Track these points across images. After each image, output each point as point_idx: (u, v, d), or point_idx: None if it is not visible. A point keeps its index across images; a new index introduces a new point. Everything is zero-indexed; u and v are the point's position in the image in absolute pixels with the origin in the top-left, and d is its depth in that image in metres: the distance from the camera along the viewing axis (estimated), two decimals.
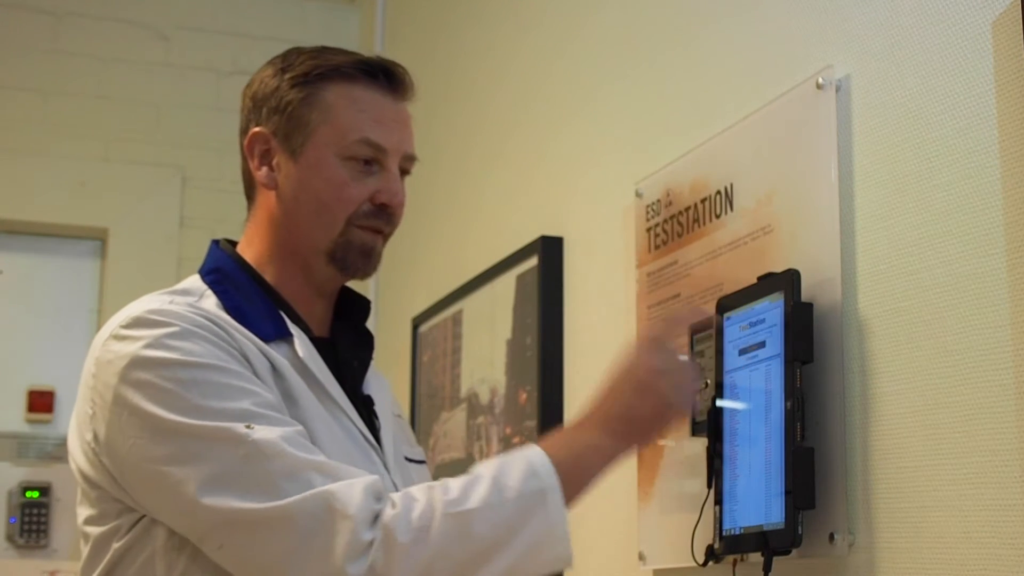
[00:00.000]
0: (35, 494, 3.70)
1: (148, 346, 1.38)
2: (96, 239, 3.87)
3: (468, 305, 2.79)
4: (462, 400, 2.75)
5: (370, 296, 3.71)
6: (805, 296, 1.52)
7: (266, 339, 1.47)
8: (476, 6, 3.04)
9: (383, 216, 1.55)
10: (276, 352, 1.46)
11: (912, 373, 1.39)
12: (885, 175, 1.46)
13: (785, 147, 1.64)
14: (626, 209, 2.08)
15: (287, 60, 1.58)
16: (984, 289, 1.30)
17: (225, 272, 1.55)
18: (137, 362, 1.37)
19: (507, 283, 2.55)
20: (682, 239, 1.87)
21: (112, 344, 1.41)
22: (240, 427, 1.34)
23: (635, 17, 2.15)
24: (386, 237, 1.58)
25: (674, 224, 1.90)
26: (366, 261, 1.56)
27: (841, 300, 1.50)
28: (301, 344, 1.49)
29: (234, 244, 1.60)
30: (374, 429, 1.55)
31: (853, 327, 1.49)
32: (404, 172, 1.61)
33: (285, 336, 1.49)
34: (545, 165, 2.50)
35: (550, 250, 2.37)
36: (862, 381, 1.47)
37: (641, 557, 1.91)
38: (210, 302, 1.49)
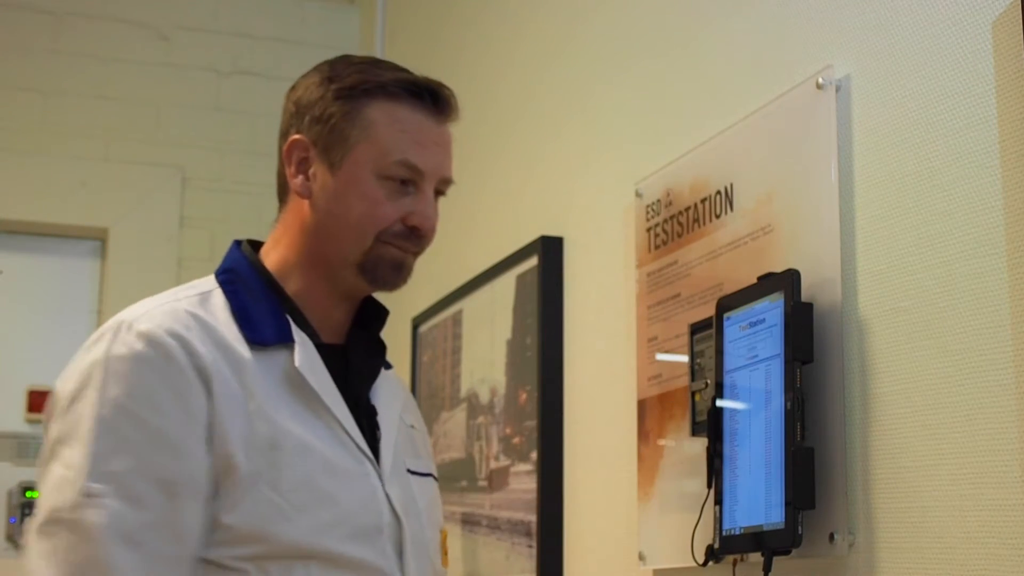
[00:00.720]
0: (35, 494, 3.68)
1: (96, 363, 1.41)
2: (96, 239, 3.87)
3: (468, 305, 2.79)
4: (462, 400, 2.75)
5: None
6: (805, 296, 1.52)
7: (263, 343, 1.47)
8: (476, 6, 3.04)
9: (412, 238, 1.56)
10: (268, 358, 1.46)
11: (912, 373, 1.39)
12: (885, 175, 1.46)
13: (785, 147, 1.64)
14: (626, 209, 2.08)
15: (334, 70, 1.57)
16: (984, 289, 1.30)
17: (238, 273, 1.55)
18: (85, 374, 1.41)
19: (507, 283, 2.55)
20: (682, 239, 1.87)
21: (91, 345, 1.45)
22: (95, 486, 1.35)
23: (635, 17, 2.15)
24: (418, 255, 1.59)
25: (674, 224, 1.90)
26: (396, 274, 1.57)
27: (841, 300, 1.50)
28: (301, 351, 1.48)
29: (259, 244, 1.60)
30: (374, 439, 1.54)
31: (853, 327, 1.49)
32: (439, 194, 1.61)
33: (286, 342, 1.49)
34: (545, 165, 2.50)
35: (550, 250, 2.37)
36: (862, 381, 1.47)
37: (641, 557, 1.91)
38: (218, 300, 1.50)
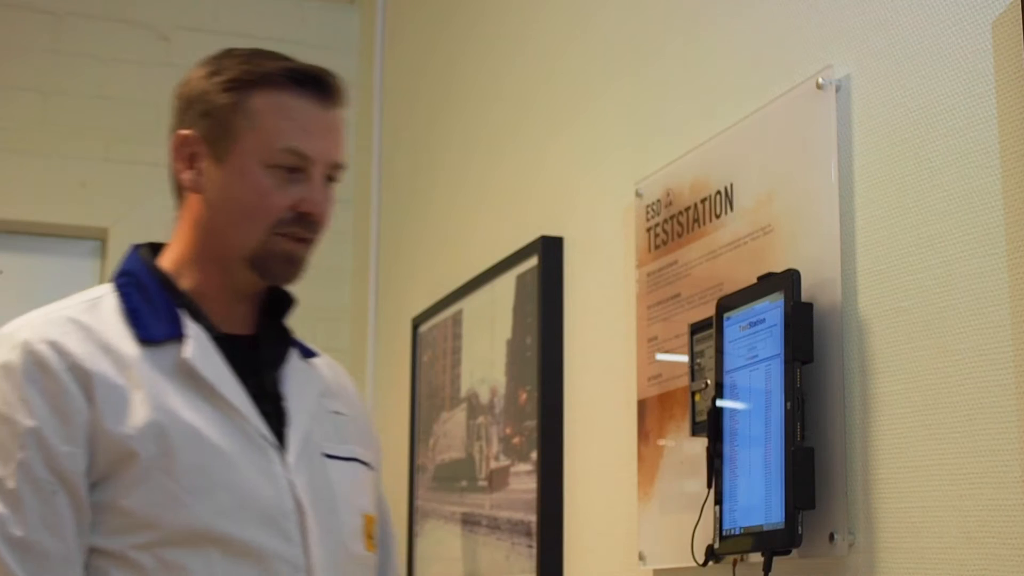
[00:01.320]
0: None
1: None
2: (96, 239, 3.86)
3: (468, 305, 2.79)
4: (462, 400, 2.75)
5: (370, 296, 3.72)
6: (805, 296, 1.52)
7: (152, 340, 1.51)
8: (476, 7, 3.04)
9: (305, 224, 1.57)
10: (159, 354, 1.50)
11: (912, 373, 1.39)
12: (885, 175, 1.46)
13: (785, 147, 1.64)
14: (626, 209, 2.08)
15: (219, 63, 1.59)
16: (984, 289, 1.30)
17: (134, 275, 1.59)
18: None
19: (507, 283, 2.55)
20: (682, 239, 1.87)
21: None
22: None
23: (635, 17, 2.15)
24: (311, 244, 1.60)
25: (674, 224, 1.90)
26: (288, 268, 1.59)
27: (841, 300, 1.50)
28: (195, 345, 1.52)
29: (162, 246, 1.64)
30: (282, 426, 1.55)
31: (853, 327, 1.49)
32: (331, 180, 1.61)
33: (177, 336, 1.52)
34: (545, 165, 2.50)
35: (550, 250, 2.37)
36: (862, 381, 1.47)
37: (641, 557, 1.91)
38: (109, 303, 1.55)
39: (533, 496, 2.31)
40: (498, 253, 2.61)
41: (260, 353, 1.61)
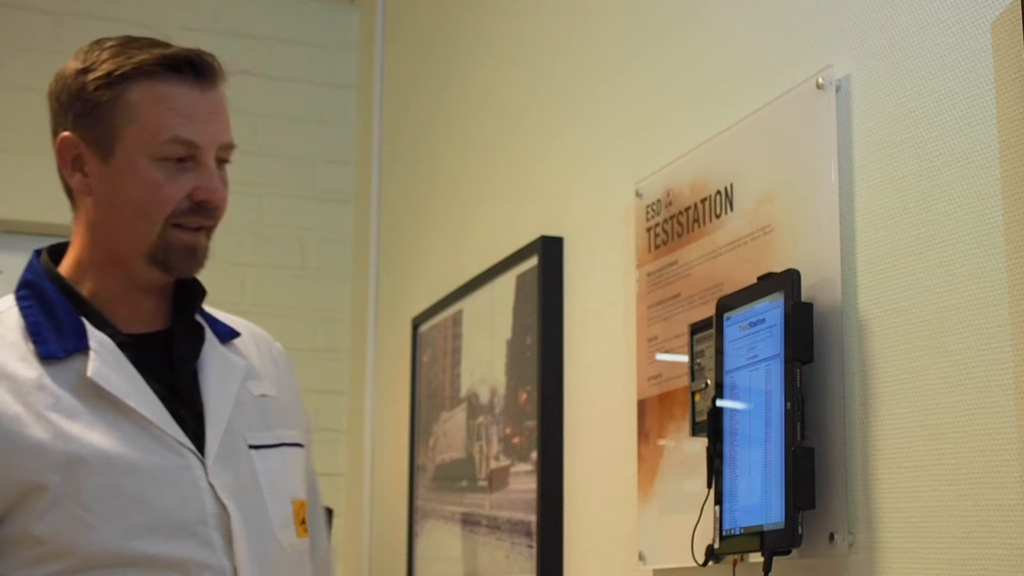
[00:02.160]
0: None
1: None
2: None
3: (468, 305, 2.79)
4: (462, 400, 2.75)
5: (370, 296, 3.72)
6: (805, 296, 1.52)
7: (55, 357, 1.47)
8: (476, 6, 3.03)
9: (203, 212, 1.54)
10: (64, 370, 1.47)
11: (912, 373, 1.39)
12: (885, 175, 1.46)
13: (785, 147, 1.64)
14: (626, 209, 2.08)
15: (89, 58, 1.54)
16: (984, 289, 1.30)
17: (35, 285, 1.57)
18: None
19: (507, 283, 2.55)
20: (682, 239, 1.87)
21: None
22: None
23: (635, 17, 2.15)
24: (209, 231, 1.57)
25: (674, 224, 1.90)
26: (190, 260, 1.56)
27: (841, 300, 1.50)
28: (99, 359, 1.48)
29: (66, 246, 1.60)
30: (195, 425, 1.53)
31: (853, 327, 1.49)
32: (223, 161, 1.58)
33: (82, 350, 1.49)
34: (545, 165, 2.50)
35: (550, 250, 2.37)
36: (862, 381, 1.47)
37: (641, 557, 1.91)
38: (11, 319, 1.52)
39: (533, 496, 2.31)
40: (498, 253, 2.61)
41: (174, 349, 1.57)
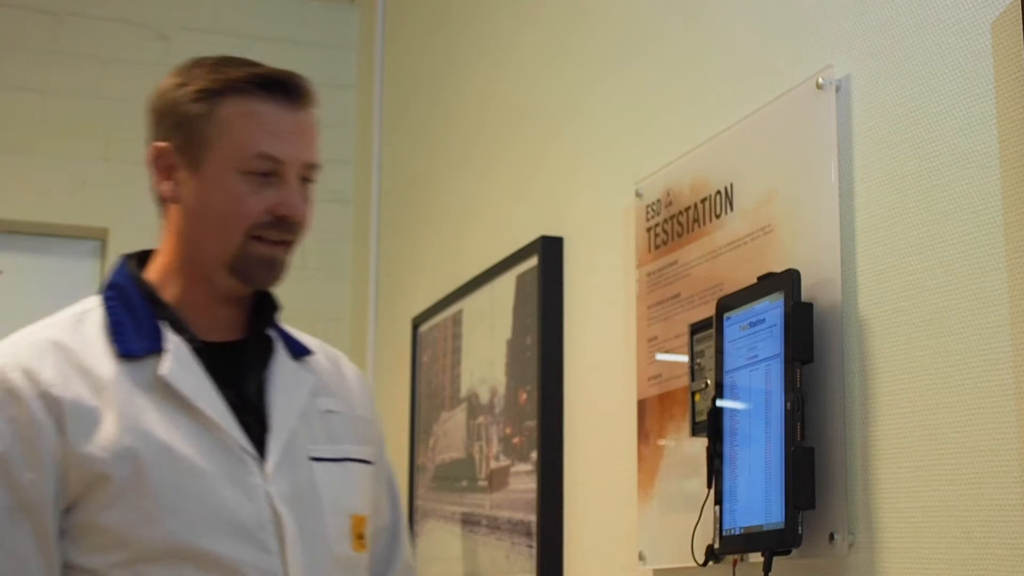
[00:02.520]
0: None
1: None
2: (96, 239, 3.86)
3: (468, 305, 2.79)
4: (462, 400, 2.75)
5: (370, 296, 3.72)
6: (805, 296, 1.52)
7: (134, 356, 1.54)
8: (476, 6, 3.04)
9: (283, 227, 1.59)
10: (139, 369, 1.54)
11: (912, 373, 1.39)
12: (885, 175, 1.46)
13: (785, 147, 1.64)
14: (626, 209, 2.08)
15: (188, 74, 1.62)
16: (984, 289, 1.30)
17: (121, 287, 1.62)
18: None
19: (507, 283, 2.55)
20: (682, 239, 1.87)
21: None
22: None
23: (635, 17, 2.15)
24: (289, 246, 1.62)
25: (674, 224, 1.90)
26: (268, 272, 1.61)
27: (841, 300, 1.50)
28: (172, 360, 1.55)
29: (152, 252, 1.66)
30: (260, 434, 1.58)
31: (853, 327, 1.49)
32: (307, 180, 1.64)
33: (157, 350, 1.55)
34: (545, 165, 2.50)
35: (550, 250, 2.37)
36: (862, 381, 1.47)
37: (641, 557, 1.91)
38: (95, 318, 1.58)
39: (533, 496, 2.31)
40: (498, 253, 2.61)
41: (246, 359, 1.63)
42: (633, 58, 2.14)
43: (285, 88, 1.61)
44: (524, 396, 2.41)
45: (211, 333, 1.62)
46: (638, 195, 2.02)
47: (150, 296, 1.61)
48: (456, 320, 2.85)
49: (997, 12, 1.30)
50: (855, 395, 1.48)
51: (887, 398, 1.43)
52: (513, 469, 2.43)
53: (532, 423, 2.35)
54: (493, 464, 2.53)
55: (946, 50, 1.37)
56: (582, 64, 2.36)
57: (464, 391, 2.74)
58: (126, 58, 3.89)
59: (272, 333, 1.69)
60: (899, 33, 1.45)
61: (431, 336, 3.03)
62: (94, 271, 3.87)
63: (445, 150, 3.14)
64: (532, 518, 2.31)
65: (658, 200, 1.96)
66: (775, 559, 1.50)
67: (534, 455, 2.33)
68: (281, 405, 1.62)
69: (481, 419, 2.62)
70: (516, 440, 2.43)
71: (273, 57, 4.30)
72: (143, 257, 1.68)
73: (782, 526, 1.46)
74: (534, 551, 2.29)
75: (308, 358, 1.72)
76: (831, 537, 1.47)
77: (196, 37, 3.96)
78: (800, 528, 1.46)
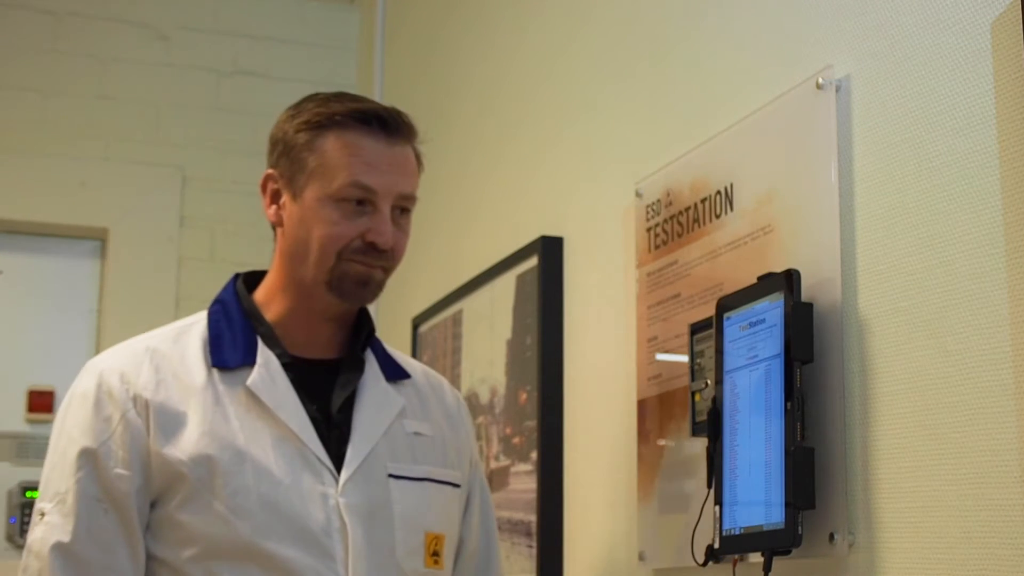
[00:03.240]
0: (35, 494, 3.67)
1: (65, 400, 1.68)
2: (96, 239, 3.86)
3: (468, 305, 2.79)
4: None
5: None
6: (805, 296, 1.52)
7: (225, 366, 1.66)
8: (476, 7, 3.04)
9: (373, 254, 1.68)
10: (232, 378, 1.66)
11: (912, 373, 1.39)
12: (885, 175, 1.46)
13: (785, 147, 1.64)
14: (626, 209, 2.08)
15: (300, 106, 1.74)
16: (984, 289, 1.30)
17: (225, 303, 1.74)
18: (61, 407, 1.69)
19: (507, 283, 2.55)
20: (682, 239, 1.87)
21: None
22: (43, 505, 1.62)
23: (635, 17, 2.15)
24: (387, 270, 1.72)
25: (674, 224, 1.90)
26: (362, 289, 1.70)
27: (841, 300, 1.50)
28: (261, 372, 1.66)
29: (263, 273, 1.78)
30: (340, 449, 1.67)
31: (853, 327, 1.49)
32: (404, 211, 1.73)
33: (250, 363, 1.67)
34: (545, 165, 2.50)
35: (550, 250, 2.37)
36: (862, 381, 1.47)
37: (641, 557, 1.91)
38: (197, 330, 1.71)
39: (533, 496, 2.31)
40: (498, 253, 2.61)
41: (337, 377, 1.72)
42: (633, 58, 2.14)
43: (383, 122, 1.70)
44: (524, 396, 2.41)
45: (307, 350, 1.72)
46: (638, 195, 2.02)
47: (251, 312, 1.72)
48: (456, 320, 2.85)
49: (997, 12, 1.30)
50: (855, 395, 1.48)
51: (887, 398, 1.43)
52: (513, 469, 2.43)
53: (532, 423, 2.35)
54: (493, 464, 2.53)
55: (946, 50, 1.37)
56: (582, 64, 2.36)
57: (464, 391, 2.74)
58: (126, 58, 3.89)
59: (370, 355, 1.78)
60: (899, 33, 1.45)
61: (431, 336, 3.03)
62: (94, 271, 3.87)
63: (445, 150, 3.14)
64: (532, 518, 2.31)
65: (658, 200, 1.96)
66: (775, 559, 1.50)
67: (534, 455, 2.33)
68: (365, 422, 1.70)
69: (481, 419, 2.62)
70: (516, 440, 2.43)
71: (273, 57, 4.31)
72: (257, 276, 1.78)
73: (782, 526, 1.46)
74: (534, 551, 2.29)
75: (404, 381, 1.80)
76: (831, 537, 1.47)
77: (196, 37, 3.96)
78: (800, 528, 1.46)
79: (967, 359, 1.31)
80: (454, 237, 3.03)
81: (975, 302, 1.31)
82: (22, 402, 3.75)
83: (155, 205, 3.83)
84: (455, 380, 2.81)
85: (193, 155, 3.88)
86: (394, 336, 3.38)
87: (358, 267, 1.68)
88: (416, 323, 3.14)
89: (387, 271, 1.72)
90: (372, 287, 1.71)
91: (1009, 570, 1.24)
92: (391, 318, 3.44)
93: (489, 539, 1.88)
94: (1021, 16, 1.24)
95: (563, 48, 2.46)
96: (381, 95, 3.69)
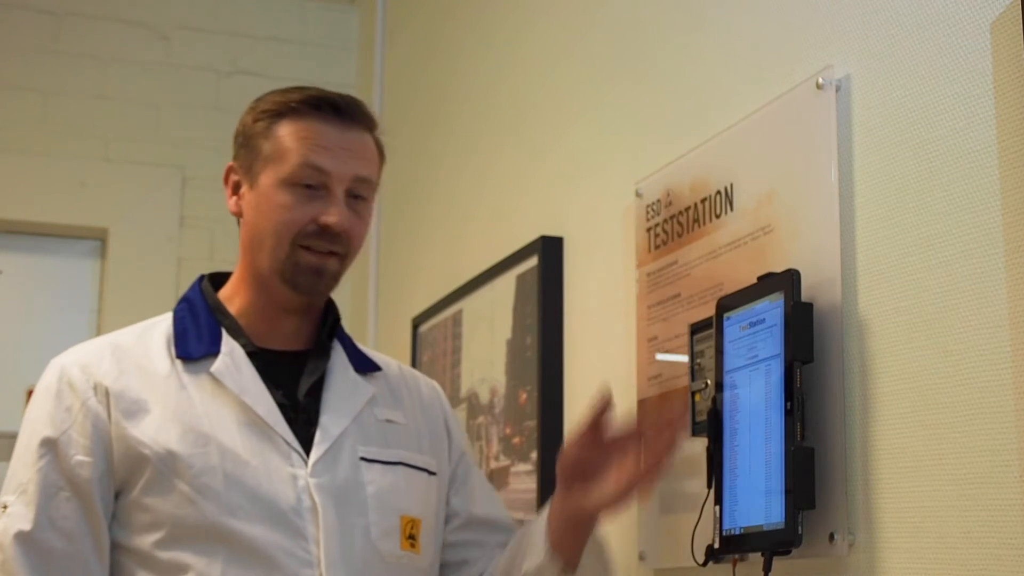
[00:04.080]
0: None
1: (33, 393, 1.70)
2: (96, 239, 3.87)
3: (468, 305, 2.79)
4: (462, 400, 2.75)
5: (370, 296, 3.72)
6: (805, 296, 1.52)
7: (189, 356, 1.67)
8: (476, 7, 3.04)
9: (327, 237, 1.67)
10: (195, 368, 1.66)
11: (912, 373, 1.39)
12: (885, 175, 1.46)
13: (785, 147, 1.64)
14: (626, 209, 2.08)
15: (261, 99, 1.75)
16: (984, 289, 1.30)
17: (190, 300, 1.75)
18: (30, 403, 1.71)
19: (507, 283, 2.55)
20: (682, 239, 1.87)
21: None
22: (6, 498, 1.60)
23: (635, 17, 2.15)
24: (342, 258, 1.70)
25: (674, 224, 1.90)
26: (316, 280, 1.69)
27: (841, 300, 1.50)
28: (225, 360, 1.66)
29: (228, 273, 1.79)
30: (308, 432, 1.67)
31: (853, 327, 1.49)
32: (360, 197, 1.71)
33: (214, 353, 1.67)
34: (545, 165, 2.50)
35: (550, 250, 2.37)
36: (862, 381, 1.47)
37: (641, 557, 1.91)
38: (162, 327, 1.72)
39: (533, 496, 2.31)
40: (498, 253, 2.61)
41: (303, 367, 1.72)
42: (633, 58, 2.14)
43: (336, 108, 1.70)
44: (524, 396, 2.41)
45: (271, 341, 1.72)
46: (638, 195, 2.02)
47: (216, 307, 1.73)
48: (456, 320, 2.85)
49: (997, 12, 1.30)
50: (855, 395, 1.48)
51: (887, 398, 1.43)
52: (513, 469, 2.43)
53: (532, 423, 2.35)
54: (493, 464, 2.53)
55: (946, 50, 1.37)
56: (582, 64, 2.36)
57: (464, 391, 2.74)
58: (126, 58, 3.89)
59: (337, 345, 1.77)
60: (899, 33, 1.45)
61: (431, 336, 3.03)
62: (94, 271, 3.88)
63: (445, 150, 3.14)
64: (532, 518, 2.31)
65: (658, 200, 1.96)
66: (775, 559, 1.50)
67: (534, 455, 2.33)
68: (333, 405, 1.70)
69: (481, 419, 2.62)
70: (516, 440, 2.43)
71: (273, 57, 4.31)
72: (225, 277, 1.79)
73: (782, 526, 1.46)
74: None
75: (375, 373, 1.80)
76: (831, 537, 1.47)
77: (196, 37, 3.96)
78: (800, 528, 1.46)
79: (967, 359, 1.31)
80: (454, 237, 3.03)
81: (975, 302, 1.31)
82: (22, 402, 3.75)
83: (155, 205, 3.83)
84: (455, 380, 2.81)
85: (193, 155, 3.88)
86: (394, 336, 3.38)
87: (310, 257, 1.67)
88: (416, 323, 3.14)
89: (342, 260, 1.70)
90: (326, 278, 1.70)
91: (1009, 570, 1.24)
92: (391, 318, 3.44)
93: (494, 516, 1.87)
94: (1021, 16, 1.24)
95: (563, 48, 2.46)
96: (381, 95, 3.69)
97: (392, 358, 1.91)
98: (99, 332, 3.74)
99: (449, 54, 3.20)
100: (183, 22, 3.96)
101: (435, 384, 1.93)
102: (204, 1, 3.99)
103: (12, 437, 4.04)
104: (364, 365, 1.80)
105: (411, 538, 1.70)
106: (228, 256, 3.76)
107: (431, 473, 1.77)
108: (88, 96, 3.84)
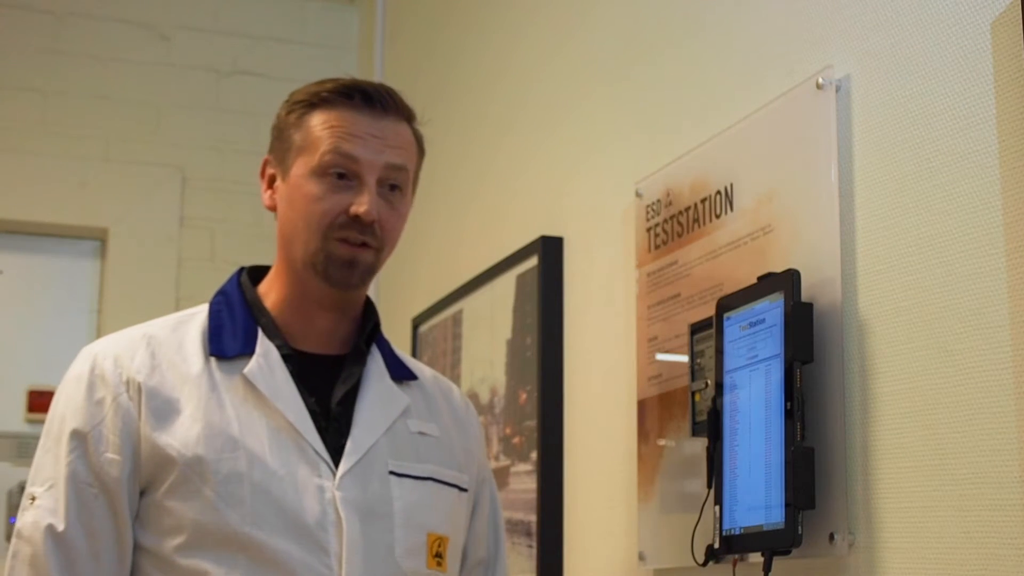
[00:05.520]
0: None
1: (60, 385, 1.64)
2: (96, 239, 3.87)
3: (468, 305, 2.79)
4: None
5: (370, 295, 3.71)
6: (805, 296, 1.52)
7: (223, 355, 1.62)
8: (475, 6, 3.04)
9: (359, 228, 1.62)
10: (230, 367, 1.61)
11: (912, 373, 1.39)
12: (885, 175, 1.46)
13: (785, 147, 1.64)
14: (626, 209, 2.08)
15: (296, 92, 1.71)
16: (984, 289, 1.30)
17: (227, 294, 1.70)
18: (57, 392, 1.65)
19: (507, 283, 2.55)
20: (682, 239, 1.87)
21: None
22: (33, 489, 1.57)
23: (635, 17, 2.15)
24: (376, 251, 1.65)
25: (674, 224, 1.90)
26: (348, 272, 1.64)
27: (841, 300, 1.50)
28: (259, 361, 1.62)
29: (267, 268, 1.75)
30: (339, 443, 1.62)
31: (853, 327, 1.49)
32: (395, 187, 1.67)
33: (249, 352, 1.62)
34: (545, 165, 2.50)
35: (550, 250, 2.37)
36: (862, 381, 1.47)
37: (641, 557, 1.91)
38: (197, 321, 1.67)
39: (533, 496, 2.31)
40: (498, 253, 2.61)
41: (339, 372, 1.68)
42: (633, 58, 2.14)
43: (367, 96, 1.66)
44: (524, 396, 2.41)
45: (307, 342, 1.67)
46: (638, 195, 2.02)
47: (253, 303, 1.68)
48: (456, 320, 2.85)
49: (997, 12, 1.30)
50: (855, 395, 1.48)
51: (887, 398, 1.43)
52: (513, 469, 2.43)
53: (532, 423, 2.35)
54: (493, 464, 2.53)
55: (946, 50, 1.37)
56: (582, 64, 2.36)
57: (464, 391, 2.74)
58: (126, 58, 3.89)
59: (375, 351, 1.73)
60: (899, 33, 1.45)
61: (431, 336, 3.03)
62: (94, 271, 3.88)
63: (444, 150, 3.14)
64: (532, 518, 2.31)
65: (658, 200, 1.96)
66: (775, 559, 1.50)
67: (534, 455, 2.33)
68: (366, 416, 1.65)
69: (481, 419, 2.62)
70: (516, 440, 2.43)
71: (273, 57, 4.31)
72: (264, 271, 1.74)
73: (782, 526, 1.46)
74: (534, 551, 2.29)
75: (411, 383, 1.75)
76: (831, 537, 1.47)
77: (196, 37, 3.96)
78: (800, 528, 1.46)
79: (967, 359, 1.31)
80: (454, 237, 3.03)
81: (975, 302, 1.31)
82: (22, 402, 3.75)
83: (155, 205, 3.83)
84: (455, 380, 2.81)
85: (193, 155, 3.88)
86: (394, 336, 3.37)
87: (343, 248, 1.62)
88: (416, 323, 3.14)
89: (377, 252, 1.65)
90: (359, 270, 1.64)
91: (1009, 570, 1.24)
92: (391, 318, 3.44)
93: (498, 549, 1.82)
94: (1021, 16, 1.24)
95: (562, 48, 2.46)
96: None
97: (428, 367, 1.87)
98: (99, 332, 3.74)
99: (449, 54, 3.20)
100: (183, 22, 3.96)
101: (468, 400, 1.88)
102: (204, 1, 3.99)
103: (12, 437, 4.04)
104: (400, 373, 1.74)
105: (438, 556, 1.66)
106: (228, 256, 3.77)
107: (462, 489, 1.72)
108: (88, 96, 3.84)
